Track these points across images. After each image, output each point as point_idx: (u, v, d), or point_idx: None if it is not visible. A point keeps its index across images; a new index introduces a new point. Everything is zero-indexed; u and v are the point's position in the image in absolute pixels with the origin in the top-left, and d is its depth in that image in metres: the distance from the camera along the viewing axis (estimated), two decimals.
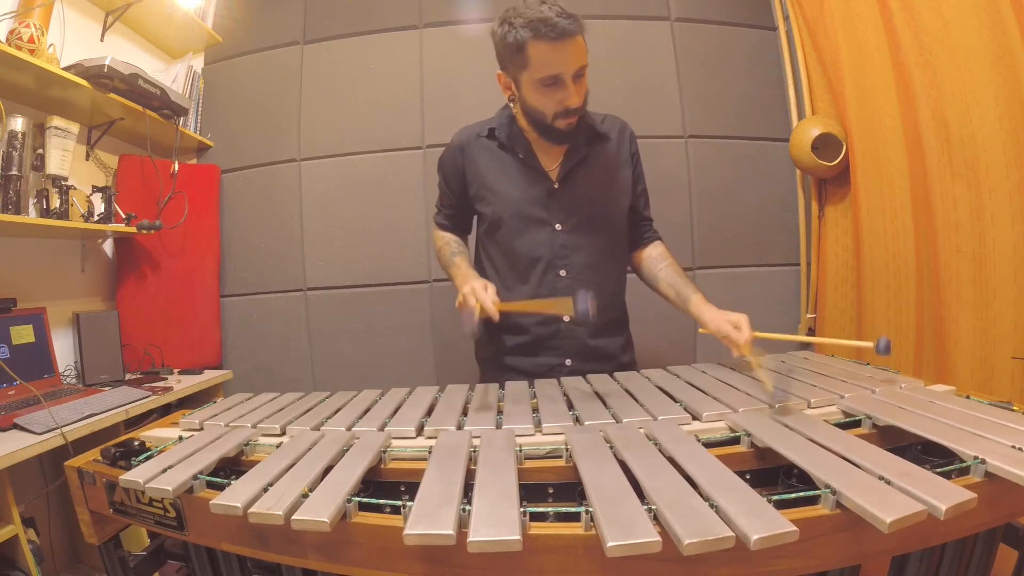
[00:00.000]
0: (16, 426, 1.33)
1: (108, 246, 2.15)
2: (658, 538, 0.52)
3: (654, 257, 1.32)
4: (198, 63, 2.41)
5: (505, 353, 1.29)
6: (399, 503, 0.63)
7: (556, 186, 1.22)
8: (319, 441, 0.83)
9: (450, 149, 1.32)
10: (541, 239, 1.22)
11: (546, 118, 1.14)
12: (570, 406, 0.94)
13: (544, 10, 1.02)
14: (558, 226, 1.22)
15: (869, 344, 0.98)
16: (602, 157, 1.26)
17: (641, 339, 1.42)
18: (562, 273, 1.23)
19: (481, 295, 1.04)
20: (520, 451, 0.76)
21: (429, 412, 0.96)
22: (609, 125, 1.30)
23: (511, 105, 1.24)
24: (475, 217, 1.37)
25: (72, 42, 1.85)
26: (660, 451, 0.72)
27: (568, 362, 1.25)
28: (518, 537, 0.54)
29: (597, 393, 1.01)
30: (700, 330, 1.15)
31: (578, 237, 1.23)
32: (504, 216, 1.24)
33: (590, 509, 0.58)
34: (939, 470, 0.63)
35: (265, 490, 0.67)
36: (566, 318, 1.22)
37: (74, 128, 1.75)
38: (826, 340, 1.07)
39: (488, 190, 1.26)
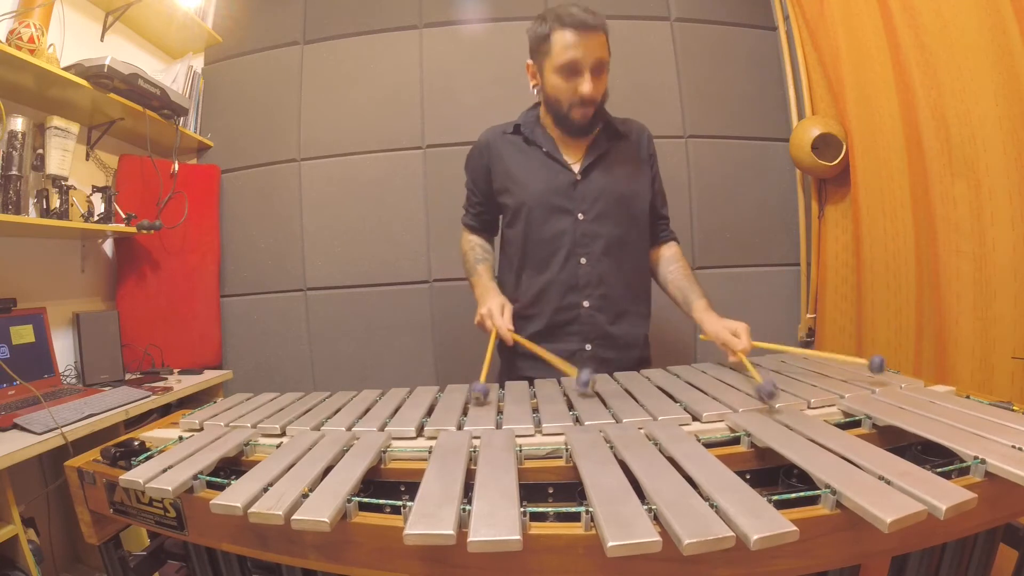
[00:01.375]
0: (16, 426, 1.33)
1: (108, 246, 2.15)
2: (658, 538, 0.52)
3: (667, 258, 1.38)
4: (198, 63, 2.41)
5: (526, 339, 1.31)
6: (399, 503, 0.63)
7: (579, 177, 1.27)
8: (319, 441, 0.83)
9: (476, 147, 1.37)
10: (564, 227, 1.26)
11: (562, 106, 1.21)
12: (570, 406, 0.94)
13: (572, 8, 1.15)
14: (580, 215, 1.26)
15: (863, 361, 1.00)
16: (622, 153, 1.32)
17: None
18: (582, 260, 1.27)
19: (498, 320, 1.12)
20: (520, 451, 0.76)
21: (429, 412, 0.96)
22: (629, 127, 1.36)
23: (535, 92, 1.30)
24: (500, 216, 1.41)
25: (72, 42, 1.85)
26: (660, 451, 0.72)
27: (588, 347, 1.28)
28: (518, 537, 0.54)
29: (597, 393, 1.01)
30: (701, 336, 1.20)
31: (599, 226, 1.27)
32: (528, 205, 1.28)
33: (590, 509, 0.58)
34: (939, 470, 0.63)
35: (265, 490, 0.67)
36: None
37: (74, 128, 1.75)
38: (823, 354, 1.10)
39: (512, 181, 1.30)
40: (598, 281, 1.27)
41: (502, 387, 1.10)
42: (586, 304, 1.27)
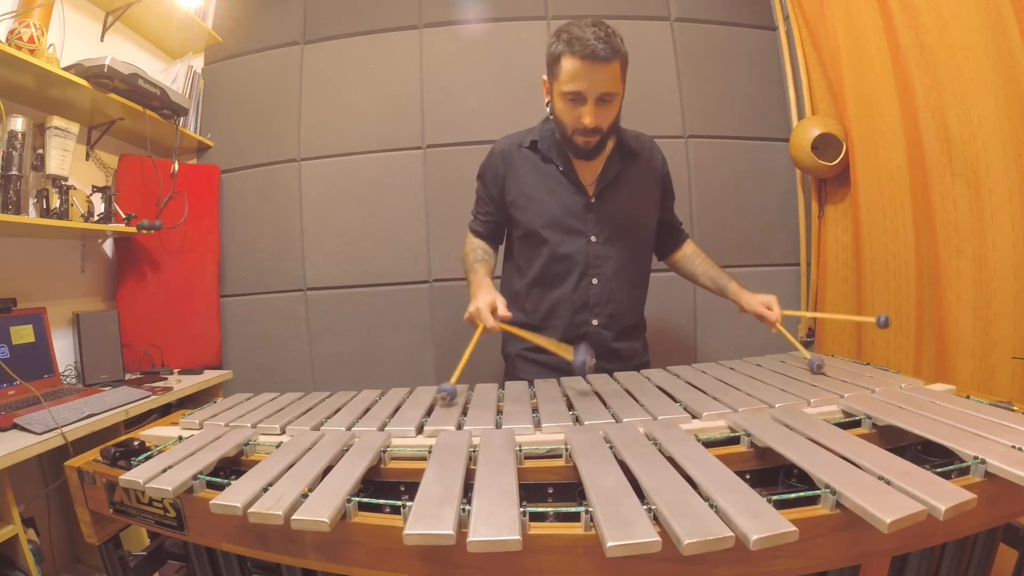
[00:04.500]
0: (16, 426, 1.33)
1: (108, 246, 2.15)
2: (658, 538, 0.52)
3: (689, 255, 1.46)
4: (198, 63, 2.41)
5: (533, 349, 1.32)
6: (399, 503, 0.63)
7: (593, 200, 1.28)
8: (319, 441, 0.83)
9: (493, 156, 1.37)
10: (576, 249, 1.28)
11: (566, 129, 1.20)
12: (570, 406, 0.94)
13: (588, 32, 1.09)
14: (593, 238, 1.28)
15: (870, 319, 1.17)
16: (634, 174, 1.33)
17: None
18: (594, 281, 1.29)
19: (486, 317, 1.09)
20: (520, 451, 0.76)
21: (429, 412, 0.96)
22: (641, 144, 1.35)
23: (548, 108, 1.29)
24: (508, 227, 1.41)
25: (72, 42, 1.84)
26: (660, 451, 0.72)
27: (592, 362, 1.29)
28: (518, 537, 0.54)
29: (597, 393, 1.01)
30: (740, 312, 1.32)
31: (610, 248, 1.29)
32: (542, 225, 1.29)
33: (590, 509, 0.58)
34: (939, 470, 0.63)
35: (265, 490, 0.67)
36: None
37: (74, 128, 1.75)
38: (837, 316, 1.26)
39: (527, 198, 1.31)
40: (607, 300, 1.30)
41: (502, 387, 1.10)
42: (595, 323, 1.30)
